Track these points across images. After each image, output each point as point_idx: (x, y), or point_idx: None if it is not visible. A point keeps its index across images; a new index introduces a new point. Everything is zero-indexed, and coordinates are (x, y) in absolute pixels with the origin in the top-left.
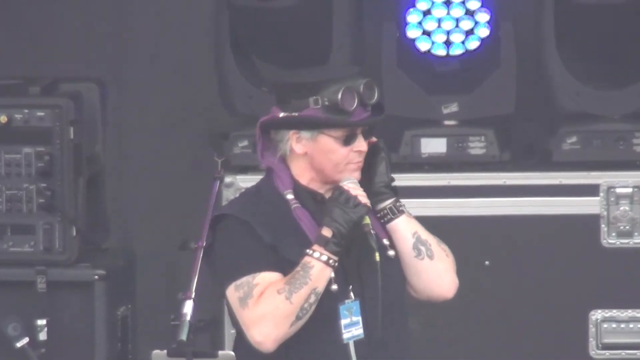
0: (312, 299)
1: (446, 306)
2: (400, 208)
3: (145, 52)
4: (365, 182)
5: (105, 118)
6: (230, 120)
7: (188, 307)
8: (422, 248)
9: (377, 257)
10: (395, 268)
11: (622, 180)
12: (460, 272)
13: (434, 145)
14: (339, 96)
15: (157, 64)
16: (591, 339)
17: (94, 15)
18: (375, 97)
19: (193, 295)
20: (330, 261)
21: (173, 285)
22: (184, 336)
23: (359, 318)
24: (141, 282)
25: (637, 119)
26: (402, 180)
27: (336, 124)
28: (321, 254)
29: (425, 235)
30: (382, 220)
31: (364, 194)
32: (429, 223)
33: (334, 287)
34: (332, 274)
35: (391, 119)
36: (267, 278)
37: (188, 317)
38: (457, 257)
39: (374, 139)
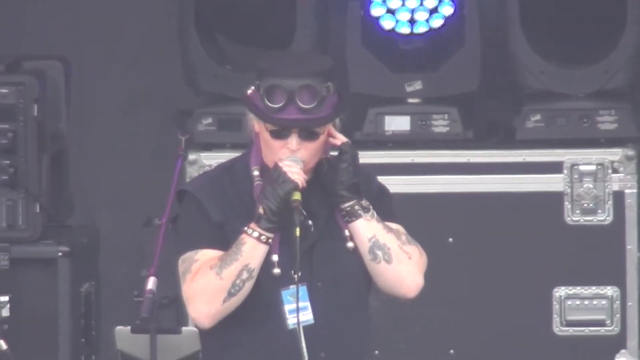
0: (245, 275)
1: None
2: (358, 212)
3: (109, 29)
4: (330, 182)
5: (69, 96)
6: (194, 97)
7: (152, 284)
8: (379, 252)
9: (298, 232)
10: (355, 259)
11: (586, 158)
12: (423, 249)
13: (398, 123)
14: (265, 90)
15: (121, 42)
16: (555, 316)
17: None
18: (313, 103)
19: (156, 272)
20: (262, 237)
21: (137, 262)
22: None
23: (307, 303)
24: (105, 259)
25: (601, 97)
26: (366, 157)
27: (259, 115)
28: (253, 231)
29: (384, 239)
30: (344, 220)
31: (297, 171)
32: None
33: (276, 270)
34: (275, 257)
35: (355, 97)
36: (208, 254)
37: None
38: (420, 234)
39: (337, 141)
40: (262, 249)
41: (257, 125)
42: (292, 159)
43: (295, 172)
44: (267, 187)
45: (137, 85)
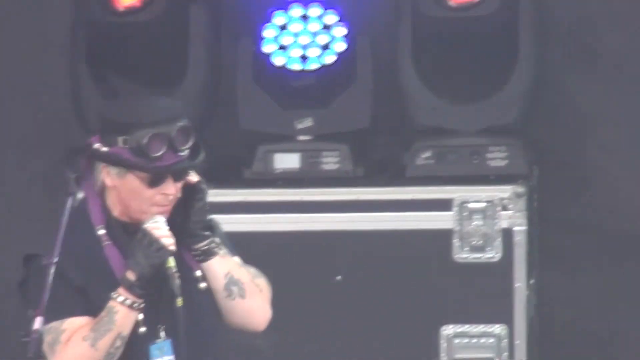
0: (118, 343)
1: (298, 322)
2: (214, 250)
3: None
4: (183, 220)
5: None
6: (84, 136)
7: (38, 324)
8: (234, 288)
9: (180, 302)
10: (208, 298)
11: (476, 195)
12: (312, 287)
13: (287, 161)
14: (145, 141)
15: (11, 79)
16: (442, 354)
17: None
18: (189, 143)
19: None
20: (135, 305)
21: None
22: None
23: (171, 357)
24: None
25: (492, 134)
26: (255, 195)
27: (139, 168)
28: (125, 298)
29: (239, 274)
30: (196, 259)
31: (168, 234)
32: (282, 239)
33: (142, 329)
34: (141, 316)
35: (245, 134)
36: (75, 323)
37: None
38: (310, 272)
39: (193, 179)
40: (135, 316)
41: (111, 180)
42: (156, 221)
43: (167, 236)
44: (139, 252)
45: (30, 123)
